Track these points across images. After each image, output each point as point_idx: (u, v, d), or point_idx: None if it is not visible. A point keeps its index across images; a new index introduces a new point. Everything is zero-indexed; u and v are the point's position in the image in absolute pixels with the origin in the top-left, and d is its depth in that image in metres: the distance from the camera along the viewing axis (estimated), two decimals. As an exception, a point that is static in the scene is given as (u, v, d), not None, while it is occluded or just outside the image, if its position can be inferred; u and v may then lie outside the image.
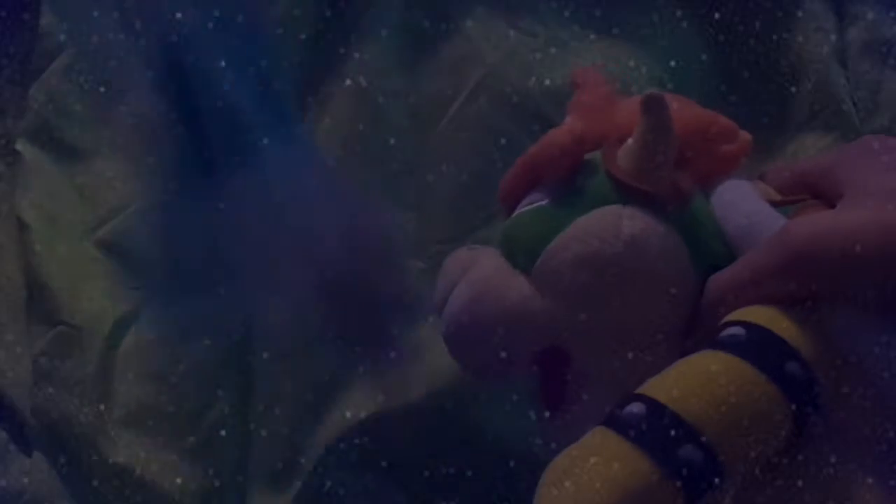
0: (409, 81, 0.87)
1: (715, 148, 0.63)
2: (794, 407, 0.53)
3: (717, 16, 0.86)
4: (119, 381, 0.85)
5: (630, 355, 0.58)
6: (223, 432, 0.85)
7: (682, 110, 0.62)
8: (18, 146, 0.91)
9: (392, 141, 0.86)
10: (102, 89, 0.91)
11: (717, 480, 0.50)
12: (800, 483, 0.57)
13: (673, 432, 0.50)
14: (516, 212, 0.63)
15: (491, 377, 0.65)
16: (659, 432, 0.50)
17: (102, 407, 0.84)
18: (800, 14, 0.85)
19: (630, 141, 0.59)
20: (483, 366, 0.63)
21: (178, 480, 0.84)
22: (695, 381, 0.52)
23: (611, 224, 0.58)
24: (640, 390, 0.53)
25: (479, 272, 0.61)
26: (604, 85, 0.65)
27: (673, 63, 0.83)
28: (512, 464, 0.79)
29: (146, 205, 0.88)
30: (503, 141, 0.85)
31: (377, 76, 0.86)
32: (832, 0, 0.86)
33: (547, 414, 0.62)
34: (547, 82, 0.86)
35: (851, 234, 0.54)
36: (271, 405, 0.86)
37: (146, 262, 0.88)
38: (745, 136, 0.65)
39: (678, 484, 0.49)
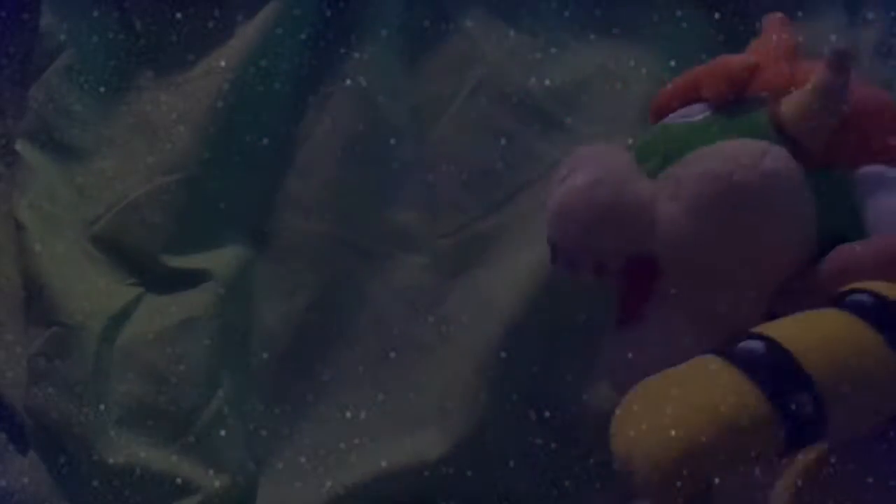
0: (409, 81, 0.88)
1: (884, 133, 0.63)
2: None
3: (717, 16, 0.86)
4: (118, 380, 0.85)
5: (719, 288, 0.58)
6: (223, 432, 0.84)
7: (867, 88, 0.62)
8: (18, 146, 0.91)
9: (392, 141, 0.86)
10: (102, 89, 0.91)
11: (820, 435, 0.50)
12: (800, 483, 0.57)
13: (792, 377, 0.49)
14: (663, 121, 0.64)
15: (578, 269, 0.63)
16: (778, 374, 0.50)
17: (102, 407, 0.84)
18: (800, 14, 0.85)
19: (803, 89, 0.60)
20: (579, 252, 0.62)
21: (178, 481, 0.84)
22: (818, 335, 0.52)
23: (754, 153, 0.58)
24: (760, 329, 0.52)
25: (607, 159, 0.61)
26: (790, 38, 0.65)
27: (673, 63, 0.83)
28: (512, 464, 0.80)
29: (140, 197, 0.88)
30: (503, 140, 0.85)
31: (377, 76, 0.86)
32: (833, 0, 0.86)
33: (619, 323, 0.62)
34: (547, 82, 0.86)
35: None
36: (271, 405, 0.86)
37: (142, 254, 0.88)
38: None
39: (784, 429, 0.49)
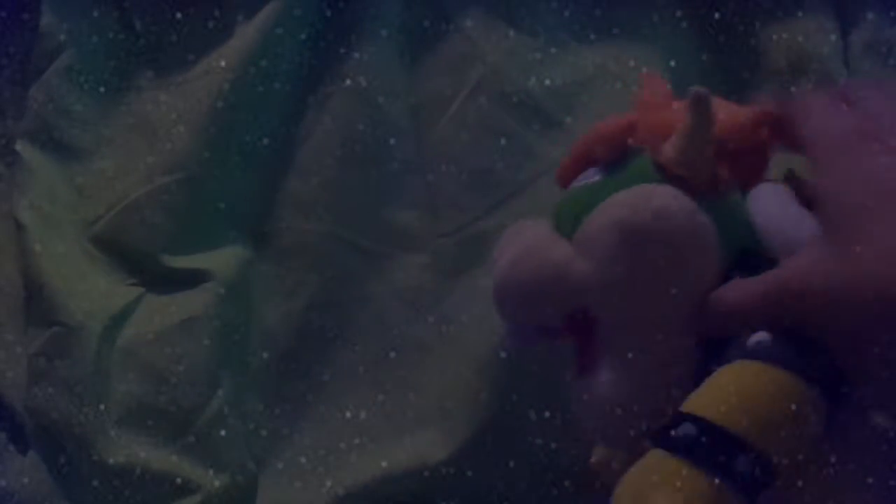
0: (409, 81, 0.88)
1: (757, 147, 0.67)
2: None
3: (717, 16, 0.86)
4: (118, 380, 0.85)
5: (647, 327, 0.61)
6: (223, 432, 0.85)
7: (729, 109, 0.66)
8: (18, 147, 0.91)
9: (392, 141, 0.86)
10: (102, 89, 0.91)
11: (771, 481, 0.55)
12: (800, 483, 0.57)
13: (726, 448, 0.54)
14: (569, 187, 0.68)
15: (532, 340, 0.69)
16: (715, 450, 0.54)
17: (102, 407, 0.84)
18: (800, 14, 0.85)
19: (675, 133, 0.63)
20: (523, 325, 0.68)
21: (178, 480, 0.84)
22: (736, 395, 0.55)
23: (643, 195, 0.62)
24: (686, 408, 0.56)
25: (527, 235, 0.66)
26: (663, 87, 0.68)
27: (673, 63, 0.84)
28: (512, 464, 0.80)
29: (140, 197, 0.88)
30: (503, 141, 0.85)
31: (377, 76, 0.87)
32: (833, 1, 0.86)
33: (578, 373, 0.65)
34: (547, 82, 0.86)
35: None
36: (271, 405, 0.86)
37: (142, 254, 0.88)
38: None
39: (739, 494, 0.54)
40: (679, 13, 0.86)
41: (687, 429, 0.55)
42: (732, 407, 0.55)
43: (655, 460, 0.55)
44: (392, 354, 0.85)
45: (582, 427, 0.65)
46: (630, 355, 0.61)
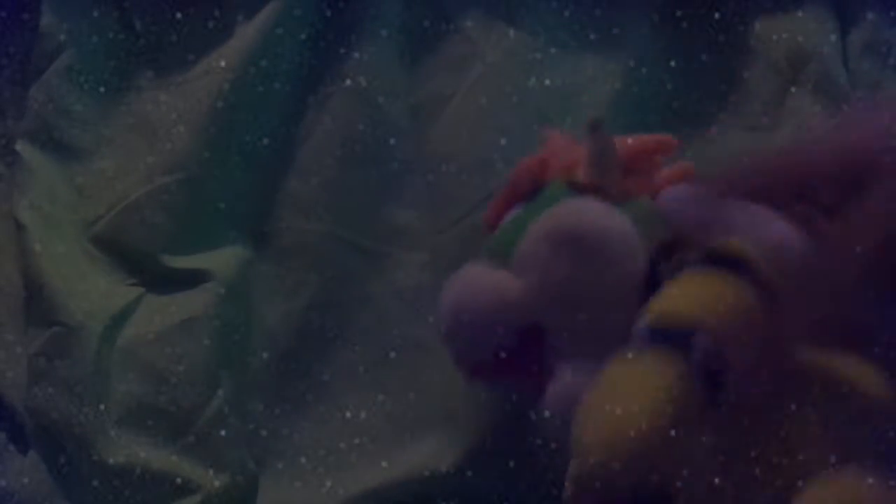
0: (409, 81, 0.88)
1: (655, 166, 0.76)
2: None
3: (717, 16, 0.86)
4: (118, 380, 0.85)
5: (594, 320, 0.66)
6: (223, 432, 0.85)
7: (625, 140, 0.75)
8: (18, 147, 0.91)
9: (392, 140, 0.86)
10: (102, 89, 0.91)
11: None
12: (800, 483, 0.57)
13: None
14: (499, 225, 0.74)
15: (487, 373, 0.73)
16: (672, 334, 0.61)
17: (102, 407, 0.84)
18: (800, 14, 0.85)
19: (583, 159, 0.72)
20: (476, 357, 0.72)
21: (178, 480, 0.84)
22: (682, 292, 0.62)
23: (563, 206, 0.69)
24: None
25: (465, 272, 0.72)
26: (567, 137, 0.77)
27: (673, 63, 0.84)
28: (512, 464, 0.80)
29: (140, 197, 0.88)
30: (503, 140, 0.85)
31: (377, 76, 0.87)
32: (833, 0, 0.86)
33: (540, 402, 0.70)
34: (547, 82, 0.86)
35: None
36: (271, 405, 0.86)
37: (142, 254, 0.88)
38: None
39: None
40: (679, 13, 0.86)
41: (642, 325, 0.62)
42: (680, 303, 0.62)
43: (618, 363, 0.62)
44: (392, 354, 0.85)
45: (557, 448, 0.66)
46: (585, 352, 0.65)
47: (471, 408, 0.82)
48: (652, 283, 0.65)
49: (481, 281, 0.70)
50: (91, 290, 0.87)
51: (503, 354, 0.70)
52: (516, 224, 0.71)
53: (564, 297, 0.67)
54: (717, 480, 0.61)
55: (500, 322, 0.69)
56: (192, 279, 0.87)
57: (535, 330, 0.68)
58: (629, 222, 0.67)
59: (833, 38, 0.85)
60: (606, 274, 0.66)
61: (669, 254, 0.66)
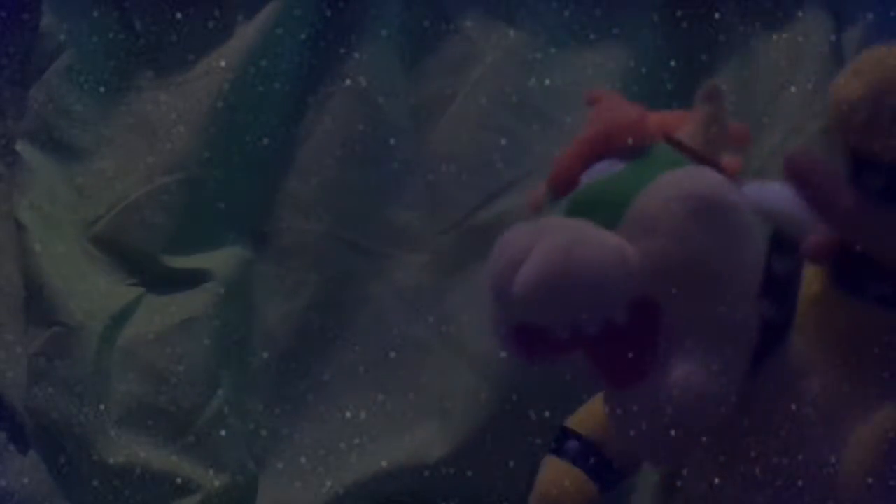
0: (409, 81, 0.88)
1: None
2: None
3: (717, 16, 0.86)
4: (118, 380, 0.85)
5: (724, 302, 0.58)
6: (223, 432, 0.85)
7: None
8: (18, 147, 0.91)
9: (392, 141, 0.86)
10: (102, 89, 0.91)
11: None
12: (800, 483, 0.57)
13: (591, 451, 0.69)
14: (584, 183, 0.64)
15: (564, 343, 0.61)
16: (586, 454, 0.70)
17: (102, 407, 0.84)
18: (799, 14, 0.85)
19: (690, 124, 0.64)
20: (557, 326, 0.60)
21: (178, 480, 0.84)
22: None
23: (697, 172, 0.60)
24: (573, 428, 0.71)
25: (563, 227, 0.60)
26: (620, 98, 0.68)
27: (672, 63, 0.84)
28: (512, 464, 0.80)
29: (140, 197, 0.88)
30: (503, 140, 0.85)
31: (377, 76, 0.87)
32: (832, 1, 0.86)
33: (617, 386, 0.61)
34: (547, 82, 0.86)
35: None
36: (271, 405, 0.86)
37: (142, 254, 0.88)
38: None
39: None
40: (679, 13, 0.86)
41: (573, 444, 0.70)
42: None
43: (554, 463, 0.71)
44: (392, 354, 0.85)
45: (631, 441, 0.61)
46: (704, 337, 0.58)
47: (470, 407, 0.82)
48: (768, 273, 0.60)
49: (597, 239, 0.58)
50: (91, 290, 0.88)
51: (611, 329, 0.59)
52: (619, 183, 0.61)
53: (694, 271, 0.58)
54: (717, 480, 0.61)
55: (620, 290, 0.58)
56: (192, 279, 0.87)
57: (642, 305, 0.59)
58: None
59: (833, 38, 0.85)
60: (739, 253, 0.59)
61: (780, 247, 0.61)
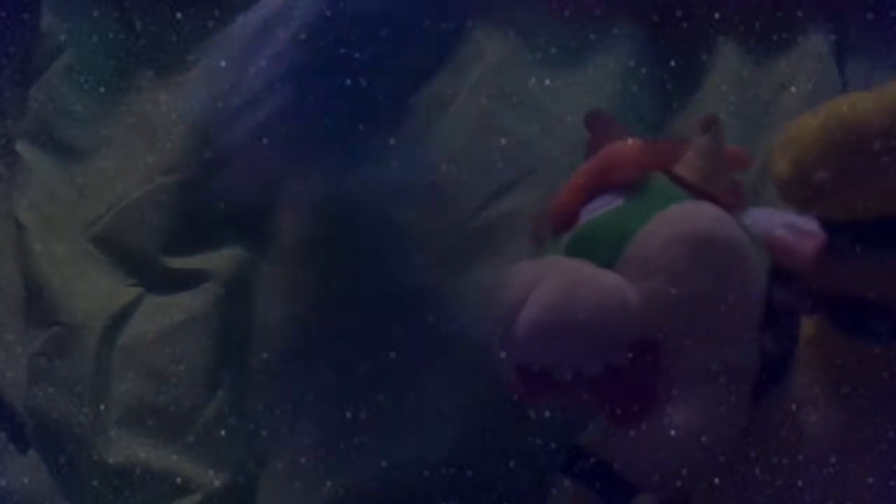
0: (408, 81, 0.88)
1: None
2: None
3: (717, 16, 0.86)
4: (118, 380, 0.85)
5: (724, 341, 0.59)
6: (223, 432, 0.85)
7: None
8: (18, 147, 0.91)
9: (392, 140, 0.86)
10: (102, 89, 0.91)
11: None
12: (800, 483, 0.57)
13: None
14: (583, 219, 0.64)
15: (566, 383, 0.62)
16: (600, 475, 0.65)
17: (102, 407, 0.84)
18: (799, 14, 0.85)
19: (690, 157, 0.64)
20: (558, 367, 0.62)
21: (178, 480, 0.84)
22: None
23: (695, 208, 0.61)
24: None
25: (564, 269, 0.61)
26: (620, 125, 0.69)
27: (672, 63, 0.84)
28: (512, 464, 0.80)
29: (140, 197, 0.88)
30: (503, 140, 0.85)
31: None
32: (832, 1, 0.86)
33: (620, 424, 0.62)
34: (547, 82, 0.86)
35: None
36: (271, 405, 0.86)
37: (142, 254, 0.88)
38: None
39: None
40: (679, 13, 0.86)
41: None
42: None
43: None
44: (392, 354, 0.85)
45: (639, 478, 0.62)
46: (706, 377, 0.58)
47: (471, 407, 0.82)
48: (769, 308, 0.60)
49: (597, 280, 0.59)
50: (91, 290, 0.88)
51: (612, 371, 0.60)
52: (617, 220, 0.62)
53: (694, 311, 0.58)
54: (717, 480, 0.61)
55: (620, 332, 0.59)
56: (192, 279, 0.87)
57: (642, 346, 0.60)
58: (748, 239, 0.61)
59: (833, 38, 0.85)
60: (739, 290, 0.59)
61: (779, 278, 0.61)
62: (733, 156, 0.67)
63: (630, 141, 0.65)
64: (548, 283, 0.59)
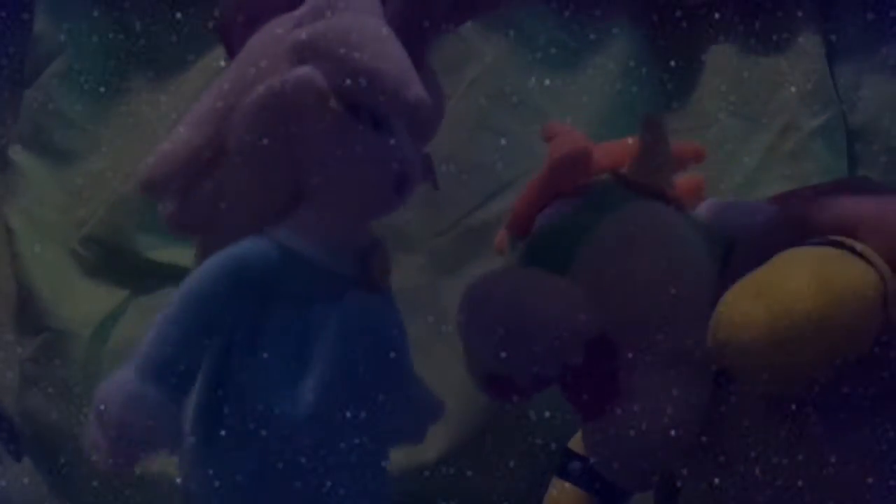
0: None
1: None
2: None
3: (717, 16, 0.86)
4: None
5: (670, 335, 0.60)
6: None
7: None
8: (11, 153, 0.91)
9: (391, 141, 0.86)
10: (102, 90, 0.91)
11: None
12: (800, 483, 0.57)
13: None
14: (537, 226, 0.66)
15: (530, 384, 0.65)
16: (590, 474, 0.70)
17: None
18: (799, 14, 0.85)
19: (634, 159, 0.65)
20: (537, 374, 0.63)
21: (178, 480, 0.84)
22: None
23: (635, 208, 0.63)
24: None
25: (516, 276, 0.64)
26: (572, 129, 0.70)
27: (672, 63, 0.84)
28: (512, 464, 0.80)
29: (131, 195, 0.88)
30: (503, 140, 0.85)
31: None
32: (831, 1, 0.87)
33: (590, 416, 0.64)
34: (547, 82, 0.86)
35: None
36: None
37: (132, 254, 0.88)
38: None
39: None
40: (679, 13, 0.86)
41: (575, 465, 0.71)
42: None
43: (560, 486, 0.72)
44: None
45: (608, 471, 0.63)
46: (664, 365, 0.60)
47: (470, 407, 0.82)
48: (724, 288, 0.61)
49: (545, 287, 0.61)
50: (81, 293, 0.88)
51: (572, 370, 0.61)
52: (566, 226, 0.64)
53: (639, 304, 0.60)
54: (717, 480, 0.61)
55: (572, 335, 0.60)
56: (181, 275, 0.87)
57: (597, 345, 0.61)
58: (691, 227, 0.63)
59: (833, 37, 0.86)
60: (684, 280, 0.61)
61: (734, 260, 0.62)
62: (685, 151, 0.69)
63: (578, 146, 0.66)
64: (498, 295, 0.62)
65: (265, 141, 0.58)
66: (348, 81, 0.55)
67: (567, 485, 0.71)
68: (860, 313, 0.54)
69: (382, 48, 0.56)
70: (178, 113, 0.88)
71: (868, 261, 0.56)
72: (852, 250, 0.57)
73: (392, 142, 0.58)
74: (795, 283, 0.54)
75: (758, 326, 0.55)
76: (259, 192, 0.59)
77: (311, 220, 0.58)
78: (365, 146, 0.57)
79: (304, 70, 0.56)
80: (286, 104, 0.57)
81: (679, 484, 0.63)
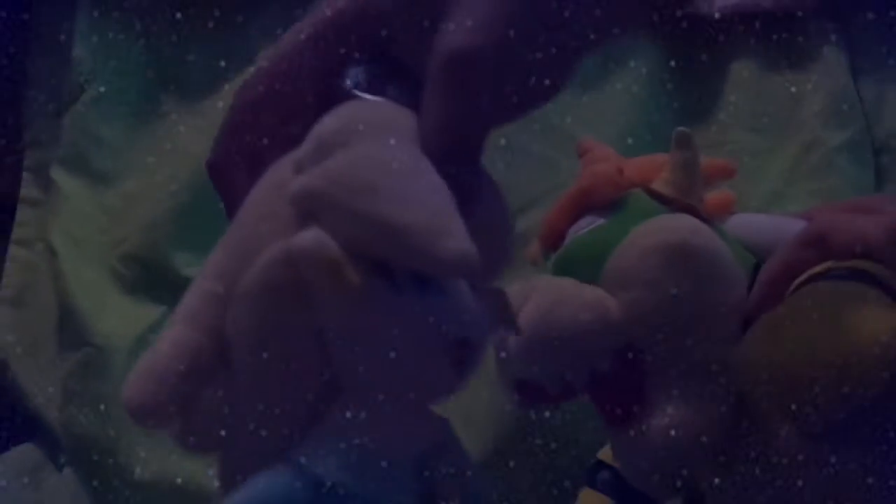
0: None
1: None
2: None
3: (717, 16, 0.85)
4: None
5: (699, 346, 0.61)
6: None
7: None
8: (52, 174, 0.94)
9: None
10: (132, 116, 0.93)
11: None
12: (800, 483, 0.58)
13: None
14: (569, 239, 0.67)
15: (560, 391, 0.65)
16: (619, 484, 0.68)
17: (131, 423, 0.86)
18: (800, 14, 0.85)
19: (665, 173, 0.66)
20: (558, 375, 0.64)
21: (178, 481, 0.85)
22: None
23: (670, 220, 0.63)
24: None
25: (550, 286, 0.64)
26: (607, 149, 0.71)
27: (673, 63, 0.83)
28: (512, 464, 0.80)
29: (166, 216, 0.90)
30: (503, 141, 0.85)
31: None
32: (833, 0, 0.85)
33: (616, 426, 0.64)
34: (568, 101, 0.86)
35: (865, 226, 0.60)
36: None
37: (168, 272, 0.90)
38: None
39: None
40: (679, 13, 0.86)
41: (605, 475, 0.70)
42: None
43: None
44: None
45: (636, 479, 0.64)
46: (690, 377, 0.61)
47: (471, 408, 0.82)
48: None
49: (577, 296, 0.62)
50: (120, 310, 0.90)
51: (600, 378, 0.63)
52: (601, 236, 0.65)
53: (670, 317, 0.61)
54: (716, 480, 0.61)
55: (601, 342, 0.62)
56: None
57: (626, 353, 0.62)
58: (727, 246, 0.63)
59: (834, 37, 0.84)
60: (715, 296, 0.61)
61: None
62: (714, 168, 0.69)
63: (609, 161, 0.68)
64: (530, 305, 0.63)
65: (270, 332, 0.46)
66: (366, 239, 0.43)
67: (595, 495, 0.70)
68: (880, 362, 0.54)
69: (406, 190, 0.44)
70: (205, 135, 0.90)
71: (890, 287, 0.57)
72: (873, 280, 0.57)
73: (440, 301, 0.45)
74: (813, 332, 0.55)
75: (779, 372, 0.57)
76: (274, 398, 0.49)
77: (347, 428, 0.47)
78: (400, 316, 0.45)
79: (309, 236, 0.44)
80: (292, 283, 0.45)
81: (707, 493, 0.63)
